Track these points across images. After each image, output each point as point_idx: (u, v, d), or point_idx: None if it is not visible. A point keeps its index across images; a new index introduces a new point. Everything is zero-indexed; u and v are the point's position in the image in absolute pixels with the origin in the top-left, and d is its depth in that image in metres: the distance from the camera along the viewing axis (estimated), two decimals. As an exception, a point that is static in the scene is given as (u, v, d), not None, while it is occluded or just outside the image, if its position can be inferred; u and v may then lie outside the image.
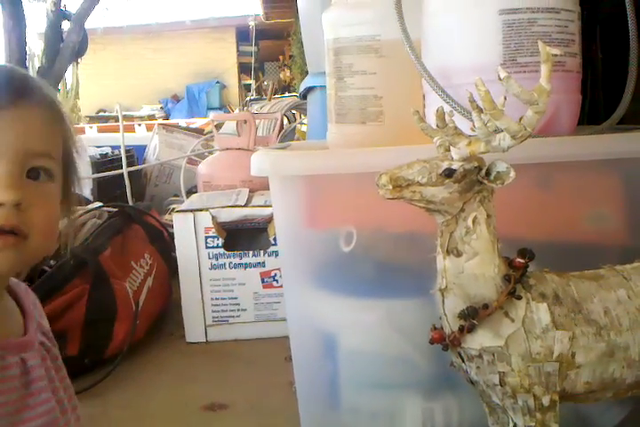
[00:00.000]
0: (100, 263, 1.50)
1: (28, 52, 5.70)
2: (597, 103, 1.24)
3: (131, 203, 2.33)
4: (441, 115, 0.70)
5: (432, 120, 0.77)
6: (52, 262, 1.45)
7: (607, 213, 0.91)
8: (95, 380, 1.34)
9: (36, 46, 6.77)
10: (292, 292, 1.00)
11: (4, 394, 0.50)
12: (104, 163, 2.61)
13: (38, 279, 1.37)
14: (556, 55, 0.58)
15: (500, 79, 0.60)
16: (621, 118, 0.95)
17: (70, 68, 5.96)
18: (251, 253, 1.61)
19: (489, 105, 0.61)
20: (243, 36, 10.42)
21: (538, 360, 0.68)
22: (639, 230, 0.92)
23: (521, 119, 0.62)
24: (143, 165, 2.92)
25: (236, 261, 1.61)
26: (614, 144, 0.87)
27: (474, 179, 0.67)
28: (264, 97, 7.61)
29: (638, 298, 0.70)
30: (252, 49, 9.85)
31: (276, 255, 1.60)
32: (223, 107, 9.81)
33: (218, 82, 10.26)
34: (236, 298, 1.63)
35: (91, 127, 4.11)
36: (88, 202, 1.97)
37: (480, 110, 0.64)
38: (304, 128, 3.19)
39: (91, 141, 3.02)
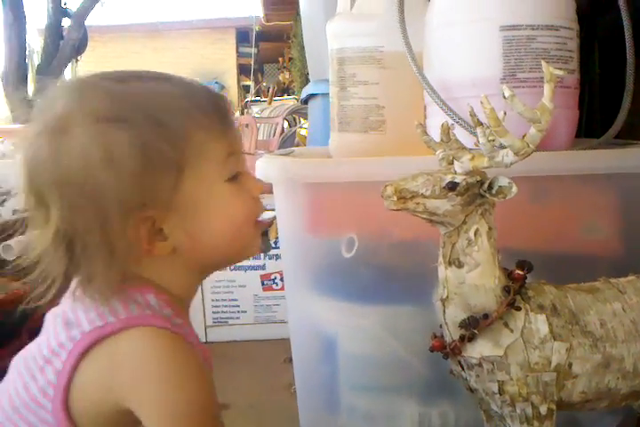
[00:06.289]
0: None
1: (27, 49, 5.69)
2: (595, 117, 1.26)
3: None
4: (446, 129, 0.72)
5: (433, 131, 0.79)
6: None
7: (601, 226, 0.93)
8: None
9: (35, 43, 6.76)
10: (293, 295, 1.02)
11: None
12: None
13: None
14: (558, 76, 0.59)
15: (504, 97, 0.61)
16: (618, 132, 0.97)
17: (69, 66, 5.95)
18: (251, 255, 1.63)
19: (494, 122, 0.62)
20: (243, 37, 10.42)
21: (536, 370, 0.70)
22: (632, 243, 0.94)
23: (524, 137, 0.63)
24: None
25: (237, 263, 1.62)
26: (609, 159, 0.89)
27: (476, 192, 0.69)
28: (263, 99, 7.60)
29: (633, 311, 0.72)
30: (252, 50, 9.84)
31: (277, 258, 1.61)
32: (221, 107, 9.77)
33: (217, 82, 10.24)
34: (236, 300, 1.65)
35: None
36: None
37: (483, 125, 0.66)
38: (304, 132, 3.20)
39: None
